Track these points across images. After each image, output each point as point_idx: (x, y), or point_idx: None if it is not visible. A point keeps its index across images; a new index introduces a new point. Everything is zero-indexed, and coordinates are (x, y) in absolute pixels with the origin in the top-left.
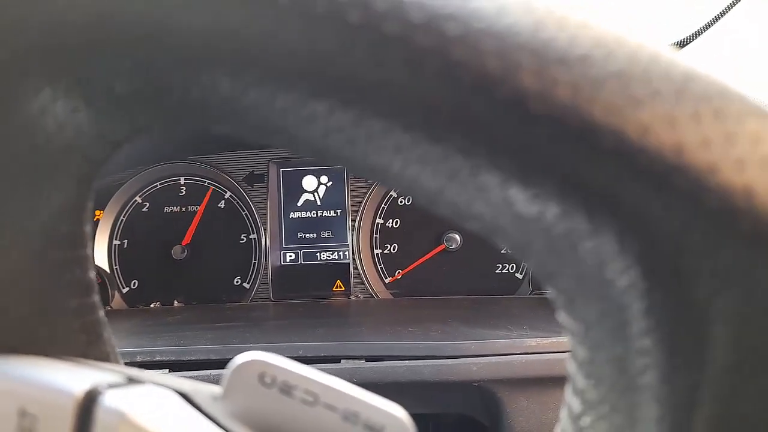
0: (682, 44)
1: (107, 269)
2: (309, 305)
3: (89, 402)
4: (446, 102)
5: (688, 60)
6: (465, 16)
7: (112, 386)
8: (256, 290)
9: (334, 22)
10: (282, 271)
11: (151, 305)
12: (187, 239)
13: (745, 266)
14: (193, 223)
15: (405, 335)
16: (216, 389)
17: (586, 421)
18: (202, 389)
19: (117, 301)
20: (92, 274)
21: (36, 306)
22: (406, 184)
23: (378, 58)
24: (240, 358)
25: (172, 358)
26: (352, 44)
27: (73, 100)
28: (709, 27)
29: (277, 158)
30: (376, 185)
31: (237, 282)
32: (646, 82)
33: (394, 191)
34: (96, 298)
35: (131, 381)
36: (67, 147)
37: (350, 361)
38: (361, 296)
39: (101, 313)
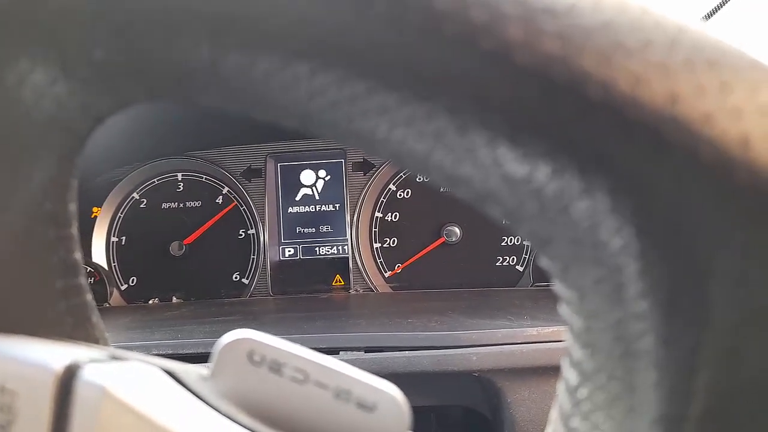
0: (708, 16)
1: (105, 266)
2: (308, 300)
3: (69, 377)
4: (430, 56)
5: (680, 15)
6: None
7: (93, 361)
8: (255, 285)
9: None
10: (281, 266)
11: (150, 301)
12: (190, 239)
13: (743, 220)
14: (204, 226)
15: (404, 326)
16: (204, 370)
17: (583, 392)
18: (190, 369)
19: (115, 298)
20: (78, 256)
21: (20, 286)
22: (393, 149)
23: (359, 13)
24: (228, 337)
25: (169, 351)
26: (331, 0)
27: (50, 70)
28: None
29: (275, 153)
30: (374, 179)
31: (236, 278)
32: (637, 31)
33: (393, 184)
34: (83, 280)
35: (114, 359)
36: (47, 120)
37: (349, 352)
38: (361, 290)
39: (89, 296)
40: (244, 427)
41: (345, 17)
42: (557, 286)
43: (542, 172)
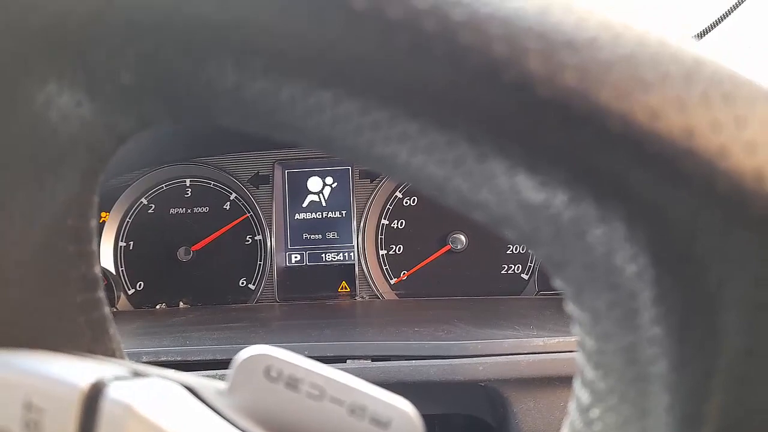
0: (701, 35)
1: (113, 271)
2: (314, 306)
3: (95, 394)
4: (453, 88)
5: (697, 46)
6: (471, 1)
7: (118, 379)
8: (262, 291)
9: (340, 9)
10: (287, 273)
11: (157, 306)
12: (198, 246)
13: (756, 251)
14: (214, 234)
15: (411, 335)
16: (221, 384)
17: (595, 412)
18: (208, 384)
19: (122, 303)
20: (98, 270)
21: (41, 301)
22: (413, 174)
23: (384, 44)
24: (245, 353)
25: (178, 359)
26: (358, 31)
27: (77, 92)
28: (728, 16)
29: (282, 159)
30: (381, 186)
31: (242, 283)
32: (655, 65)
33: (399, 192)
34: (101, 294)
35: (137, 375)
36: (72, 139)
37: (356, 361)
38: (367, 297)
39: (107, 309)
40: None
41: (370, 48)
42: (570, 308)
43: (559, 200)
